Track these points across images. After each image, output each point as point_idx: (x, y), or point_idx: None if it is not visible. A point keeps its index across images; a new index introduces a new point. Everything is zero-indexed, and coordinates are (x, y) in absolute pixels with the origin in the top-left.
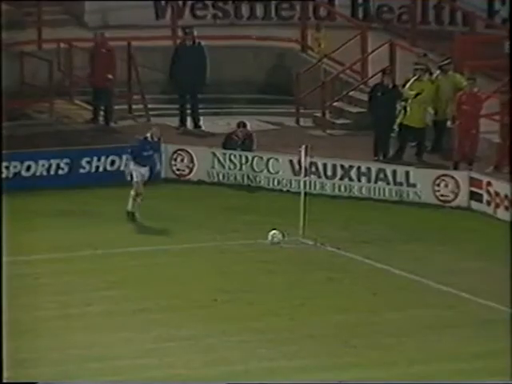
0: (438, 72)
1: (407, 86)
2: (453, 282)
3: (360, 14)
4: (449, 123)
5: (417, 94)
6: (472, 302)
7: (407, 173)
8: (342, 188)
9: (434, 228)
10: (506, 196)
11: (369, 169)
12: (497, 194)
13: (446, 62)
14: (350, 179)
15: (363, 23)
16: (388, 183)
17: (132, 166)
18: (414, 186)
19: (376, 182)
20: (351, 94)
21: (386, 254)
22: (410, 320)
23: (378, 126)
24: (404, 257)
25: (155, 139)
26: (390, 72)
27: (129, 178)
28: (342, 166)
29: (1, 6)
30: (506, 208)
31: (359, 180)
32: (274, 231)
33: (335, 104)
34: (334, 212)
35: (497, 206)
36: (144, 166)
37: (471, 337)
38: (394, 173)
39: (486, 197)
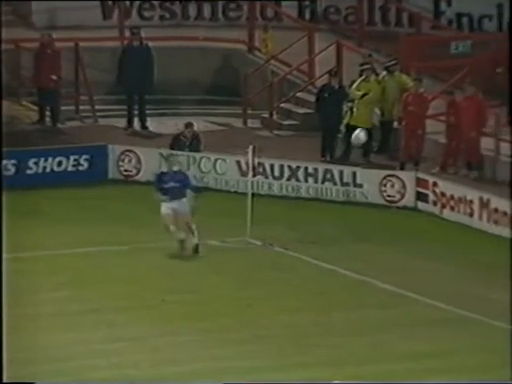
0: (385, 73)
1: (354, 86)
2: (400, 282)
3: (307, 15)
4: (395, 124)
5: (363, 95)
6: (419, 302)
7: (354, 173)
8: (290, 188)
9: (381, 228)
10: (452, 196)
11: (316, 169)
12: (443, 194)
13: (392, 62)
14: (298, 180)
15: (310, 24)
16: (335, 184)
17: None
18: (360, 186)
19: (323, 183)
20: (298, 95)
21: (334, 254)
22: (357, 320)
23: (325, 127)
24: (351, 257)
25: (173, 170)
26: (337, 73)
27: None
28: (290, 167)
29: (1, 5)
30: (452, 208)
31: (306, 180)
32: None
33: (282, 105)
34: (281, 212)
35: (443, 206)
36: (172, 199)
37: (419, 336)
38: (341, 173)
39: (432, 197)
